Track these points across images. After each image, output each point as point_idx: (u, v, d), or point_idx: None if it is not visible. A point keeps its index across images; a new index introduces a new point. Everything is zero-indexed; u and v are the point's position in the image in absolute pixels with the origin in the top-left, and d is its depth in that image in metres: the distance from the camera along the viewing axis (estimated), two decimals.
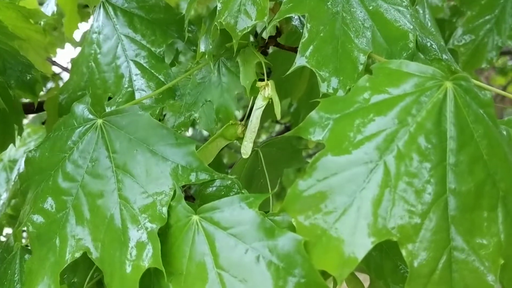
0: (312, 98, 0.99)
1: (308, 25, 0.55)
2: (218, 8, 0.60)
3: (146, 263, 0.46)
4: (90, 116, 0.57)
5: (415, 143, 0.43)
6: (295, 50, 0.72)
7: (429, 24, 0.73)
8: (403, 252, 0.41)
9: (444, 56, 0.59)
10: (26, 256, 0.63)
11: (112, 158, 0.54)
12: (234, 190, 0.60)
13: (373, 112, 0.44)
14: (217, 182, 0.60)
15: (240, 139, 0.65)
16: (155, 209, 0.50)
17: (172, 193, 0.50)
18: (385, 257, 0.59)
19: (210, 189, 0.60)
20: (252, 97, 0.65)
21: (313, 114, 0.47)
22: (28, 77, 0.72)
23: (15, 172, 1.15)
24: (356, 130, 0.44)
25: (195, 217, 0.47)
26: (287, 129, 1.84)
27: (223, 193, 0.60)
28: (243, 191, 0.60)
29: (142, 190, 0.51)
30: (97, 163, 0.54)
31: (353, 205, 0.42)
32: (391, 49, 0.56)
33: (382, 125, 0.44)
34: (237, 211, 0.46)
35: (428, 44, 0.59)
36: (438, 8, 0.88)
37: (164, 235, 0.49)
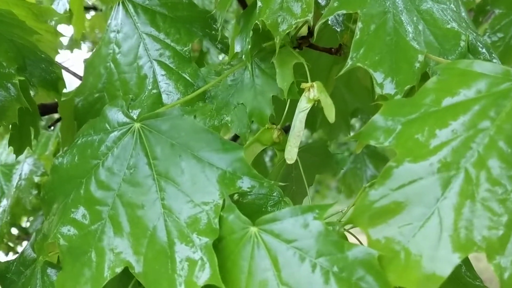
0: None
1: (360, 24, 0.52)
2: (258, 6, 0.56)
3: (201, 281, 0.42)
4: (126, 120, 0.52)
5: (496, 147, 0.40)
6: (329, 51, 0.69)
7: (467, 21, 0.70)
8: (492, 266, 0.38)
9: (494, 60, 0.57)
10: (49, 270, 0.59)
11: (153, 165, 0.49)
12: (273, 198, 0.57)
13: (447, 115, 0.41)
14: (255, 190, 0.57)
15: (276, 144, 0.62)
16: (204, 220, 0.46)
17: (221, 202, 0.47)
18: None
19: (250, 197, 0.57)
20: (288, 100, 0.61)
21: (377, 118, 0.44)
22: (51, 75, 0.67)
23: (15, 178, 1.09)
24: (430, 134, 0.41)
25: (253, 229, 0.43)
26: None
27: (262, 201, 0.57)
28: (285, 199, 0.56)
29: (188, 199, 0.47)
30: (136, 170, 0.50)
31: (434, 217, 0.38)
32: (442, 49, 0.54)
33: (458, 129, 0.41)
34: (300, 223, 0.42)
35: (478, 44, 0.57)
36: (469, 2, 0.85)
37: (214, 248, 0.45)
